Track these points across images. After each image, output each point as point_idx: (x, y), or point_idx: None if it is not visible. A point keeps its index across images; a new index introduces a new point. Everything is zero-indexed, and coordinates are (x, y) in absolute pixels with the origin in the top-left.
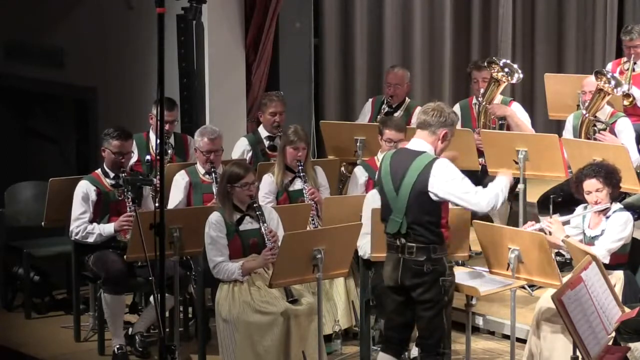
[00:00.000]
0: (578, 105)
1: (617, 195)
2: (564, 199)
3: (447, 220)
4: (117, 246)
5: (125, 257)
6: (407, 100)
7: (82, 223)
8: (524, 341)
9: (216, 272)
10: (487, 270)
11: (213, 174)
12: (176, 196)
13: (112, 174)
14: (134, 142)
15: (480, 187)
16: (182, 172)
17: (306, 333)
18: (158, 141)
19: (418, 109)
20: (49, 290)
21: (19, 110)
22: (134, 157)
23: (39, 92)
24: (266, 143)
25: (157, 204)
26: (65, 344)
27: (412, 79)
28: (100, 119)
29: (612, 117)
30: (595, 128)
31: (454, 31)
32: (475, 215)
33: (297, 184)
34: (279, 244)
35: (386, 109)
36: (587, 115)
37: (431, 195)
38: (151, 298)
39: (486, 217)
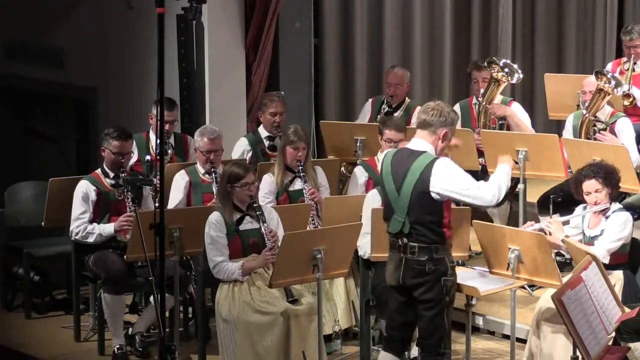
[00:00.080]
0: (578, 105)
1: (616, 195)
2: (563, 199)
3: (450, 219)
4: (117, 246)
5: (125, 257)
6: (407, 100)
7: (82, 223)
8: (524, 341)
9: (216, 272)
10: (487, 270)
11: (213, 174)
12: (176, 196)
13: (112, 174)
14: (134, 142)
15: (482, 182)
16: (182, 171)
17: (306, 333)
18: (158, 141)
19: (418, 109)
20: (49, 290)
21: (19, 110)
22: (134, 157)
23: (39, 92)
24: (266, 143)
25: (157, 204)
26: (65, 344)
27: (412, 79)
28: (100, 119)
29: (612, 117)
30: (595, 128)
31: (454, 31)
32: (478, 210)
33: (297, 184)
34: (279, 244)
35: (386, 109)
36: (587, 115)
37: (433, 195)
38: (151, 298)
39: (486, 217)
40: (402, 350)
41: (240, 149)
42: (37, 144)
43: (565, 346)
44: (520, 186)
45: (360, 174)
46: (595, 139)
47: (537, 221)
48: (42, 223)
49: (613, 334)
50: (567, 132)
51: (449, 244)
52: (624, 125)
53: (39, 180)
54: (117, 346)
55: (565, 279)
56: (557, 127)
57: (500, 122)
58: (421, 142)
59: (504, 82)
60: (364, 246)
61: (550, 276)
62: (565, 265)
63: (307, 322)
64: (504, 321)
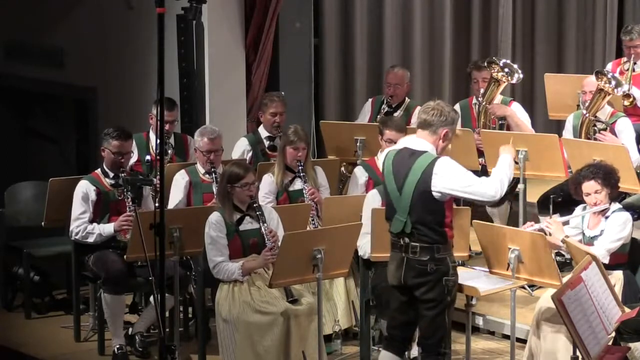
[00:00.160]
0: (578, 105)
1: (616, 195)
2: (563, 199)
3: (451, 219)
4: (117, 246)
5: (125, 257)
6: (407, 100)
7: (82, 223)
8: (524, 341)
9: (216, 272)
10: (487, 270)
11: (213, 174)
12: (176, 196)
13: (112, 174)
14: (134, 142)
15: (484, 177)
16: (182, 171)
17: (306, 333)
18: (158, 141)
19: (418, 109)
20: (49, 290)
21: (19, 110)
22: (134, 157)
23: (39, 92)
24: (266, 143)
25: (157, 204)
26: (65, 344)
27: (412, 79)
28: (100, 119)
29: (612, 117)
30: (596, 128)
31: (454, 31)
32: (478, 210)
33: (297, 184)
34: (279, 244)
35: (386, 109)
36: (587, 115)
37: (434, 194)
38: (151, 298)
39: (486, 217)
40: (403, 349)
41: (240, 149)
42: (37, 144)
43: (565, 346)
44: (520, 186)
45: (360, 174)
46: (595, 139)
47: (537, 221)
48: (42, 223)
49: (613, 334)
50: (567, 132)
51: (450, 244)
52: (624, 125)
53: (39, 180)
54: (117, 346)
55: (565, 279)
56: (557, 127)
57: (500, 122)
58: (422, 142)
59: (504, 82)
60: (364, 246)
61: (550, 276)
62: (565, 265)
63: (307, 322)
64: (504, 321)
